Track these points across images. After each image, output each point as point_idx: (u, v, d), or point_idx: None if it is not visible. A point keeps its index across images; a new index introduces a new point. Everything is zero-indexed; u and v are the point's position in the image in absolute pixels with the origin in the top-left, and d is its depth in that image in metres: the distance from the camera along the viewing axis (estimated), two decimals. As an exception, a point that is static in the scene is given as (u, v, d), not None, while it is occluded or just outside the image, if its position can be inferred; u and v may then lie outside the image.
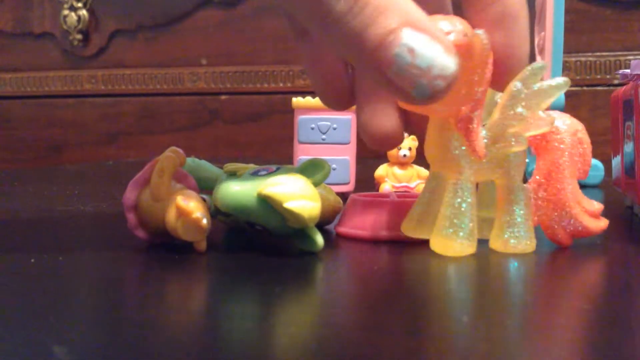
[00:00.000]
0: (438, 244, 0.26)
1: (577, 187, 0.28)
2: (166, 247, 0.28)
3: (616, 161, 0.41)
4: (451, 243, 0.26)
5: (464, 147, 0.26)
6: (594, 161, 0.52)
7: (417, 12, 0.23)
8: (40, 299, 0.21)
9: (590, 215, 0.28)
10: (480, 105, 0.25)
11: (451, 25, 0.24)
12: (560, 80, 0.27)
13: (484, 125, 0.27)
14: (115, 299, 0.21)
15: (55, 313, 0.19)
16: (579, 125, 0.29)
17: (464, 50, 0.24)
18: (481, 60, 0.24)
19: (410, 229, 0.28)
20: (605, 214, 0.29)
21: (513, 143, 0.26)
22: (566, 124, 0.28)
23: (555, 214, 0.28)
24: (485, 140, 0.26)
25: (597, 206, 0.28)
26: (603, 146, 0.50)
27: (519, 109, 0.26)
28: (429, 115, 0.27)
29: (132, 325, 0.18)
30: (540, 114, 0.26)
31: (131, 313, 0.20)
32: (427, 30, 0.23)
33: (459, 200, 0.26)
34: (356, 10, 0.22)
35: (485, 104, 0.26)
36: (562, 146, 0.28)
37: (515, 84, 0.26)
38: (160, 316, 0.19)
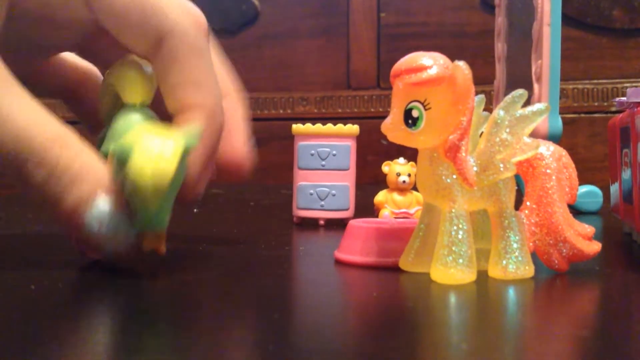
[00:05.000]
0: (438, 273, 0.26)
1: (567, 210, 0.28)
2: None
3: (614, 188, 0.41)
4: (451, 271, 0.26)
5: (455, 176, 0.26)
6: (593, 188, 0.52)
7: (106, 179, 0.26)
8: (39, 326, 0.21)
9: (583, 237, 0.28)
10: (466, 133, 0.26)
11: (432, 60, 0.25)
12: (541, 105, 0.27)
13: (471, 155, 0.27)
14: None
15: (55, 341, 0.19)
16: (562, 151, 0.29)
17: (447, 82, 0.25)
18: (464, 90, 0.25)
19: (408, 264, 0.28)
20: (603, 240, 0.29)
21: (502, 169, 0.27)
22: (550, 150, 0.29)
23: (549, 238, 0.28)
24: (475, 169, 0.26)
25: (589, 229, 0.28)
26: (601, 173, 0.50)
27: (504, 135, 0.27)
28: (417, 147, 0.27)
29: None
30: (525, 139, 0.27)
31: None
32: (118, 198, 0.25)
33: (455, 228, 0.26)
34: (54, 180, 0.25)
35: (470, 136, 0.27)
36: (548, 171, 0.28)
37: (498, 112, 0.27)
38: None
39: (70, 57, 0.35)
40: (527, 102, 0.28)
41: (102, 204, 0.25)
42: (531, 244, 0.28)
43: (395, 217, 0.44)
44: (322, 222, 0.44)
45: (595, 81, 0.94)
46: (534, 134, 0.28)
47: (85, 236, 0.26)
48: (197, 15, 0.30)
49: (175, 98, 0.29)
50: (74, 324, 0.21)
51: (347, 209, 0.45)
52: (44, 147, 0.25)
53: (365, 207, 0.47)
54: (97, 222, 0.25)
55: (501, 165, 0.27)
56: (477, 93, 0.27)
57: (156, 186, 0.24)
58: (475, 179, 0.26)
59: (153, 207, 0.25)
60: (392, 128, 0.26)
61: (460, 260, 0.26)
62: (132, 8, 0.28)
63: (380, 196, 0.45)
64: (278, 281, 0.28)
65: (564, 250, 0.28)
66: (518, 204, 0.28)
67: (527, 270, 0.27)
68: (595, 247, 0.28)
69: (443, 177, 0.26)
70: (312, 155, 0.44)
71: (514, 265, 0.27)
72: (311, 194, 0.44)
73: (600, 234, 0.41)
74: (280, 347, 0.18)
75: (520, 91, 0.27)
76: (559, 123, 0.50)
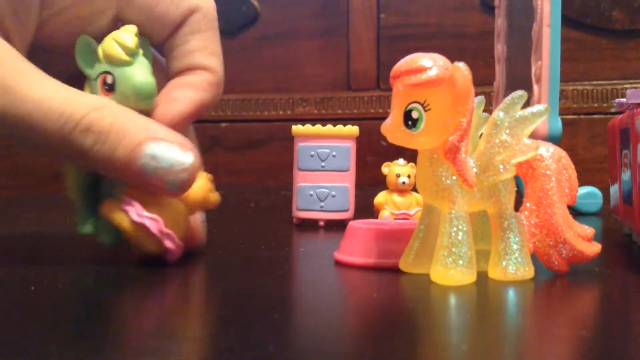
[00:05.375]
0: (438, 274, 0.26)
1: (567, 212, 0.28)
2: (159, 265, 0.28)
3: (614, 189, 0.41)
4: (451, 272, 0.26)
5: (454, 177, 0.26)
6: (592, 189, 0.52)
7: (157, 127, 0.29)
8: (39, 326, 0.21)
9: (582, 239, 0.28)
10: (466, 135, 0.26)
11: (432, 61, 0.25)
12: (541, 107, 0.27)
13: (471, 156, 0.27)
14: (117, 327, 0.21)
15: (55, 341, 0.19)
16: (562, 152, 0.29)
17: (447, 83, 0.25)
18: (463, 91, 0.25)
19: (408, 266, 0.28)
20: (603, 241, 0.29)
21: (501, 170, 0.27)
22: (550, 152, 0.29)
23: (549, 239, 0.28)
24: (474, 170, 0.26)
25: (588, 230, 0.28)
26: (601, 174, 0.50)
27: (504, 137, 0.27)
28: (417, 148, 0.27)
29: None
30: (525, 140, 0.27)
31: (133, 342, 0.20)
32: (164, 139, 0.28)
33: (455, 229, 0.26)
34: (102, 139, 0.27)
35: (470, 137, 0.27)
36: (548, 172, 0.28)
37: (498, 113, 0.27)
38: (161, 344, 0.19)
39: None
40: (527, 104, 0.28)
41: (150, 146, 0.28)
42: (531, 245, 0.28)
43: (395, 218, 0.44)
44: (321, 223, 0.44)
45: (595, 82, 0.94)
46: (533, 135, 0.28)
47: (146, 177, 0.28)
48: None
49: (191, 60, 0.32)
50: (73, 324, 0.21)
51: (346, 210, 0.45)
52: (86, 115, 0.27)
53: (365, 208, 0.47)
54: (152, 161, 0.28)
55: (501, 166, 0.27)
56: (476, 94, 0.27)
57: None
58: (475, 180, 0.26)
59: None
60: (392, 129, 0.26)
61: (460, 262, 0.26)
62: None
63: (380, 197, 0.45)
64: (278, 282, 0.28)
65: (564, 252, 0.28)
66: (518, 205, 0.28)
67: (527, 271, 0.27)
68: (595, 248, 0.28)
69: (443, 178, 0.26)
70: (311, 156, 0.44)
71: (513, 266, 0.27)
72: (311, 195, 0.44)
73: (600, 235, 0.41)
74: (280, 348, 0.18)
75: (519, 92, 0.27)
76: (558, 124, 0.50)
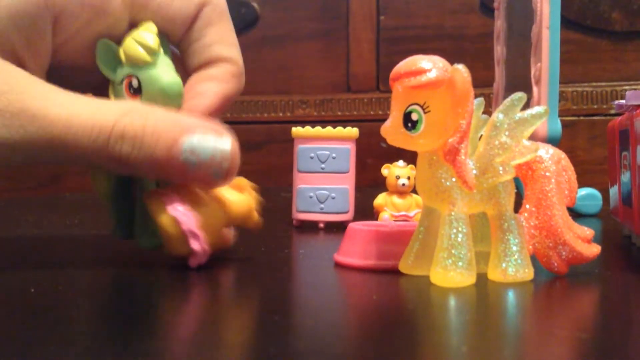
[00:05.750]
0: (438, 276, 0.26)
1: (567, 213, 0.28)
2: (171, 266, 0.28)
3: (614, 191, 0.41)
4: (451, 274, 0.26)
5: (454, 179, 0.26)
6: (592, 190, 0.52)
7: (187, 120, 0.28)
8: (39, 329, 0.21)
9: (582, 240, 0.28)
10: (465, 136, 0.26)
11: (432, 63, 0.25)
12: (540, 108, 0.27)
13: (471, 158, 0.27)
14: (123, 329, 0.21)
15: (55, 343, 0.19)
16: (561, 154, 0.29)
17: (446, 85, 0.25)
18: (463, 93, 0.25)
19: (407, 267, 0.28)
20: (603, 243, 0.29)
21: (501, 172, 0.27)
22: (549, 153, 0.29)
23: (549, 241, 0.28)
24: (474, 172, 0.27)
25: (588, 232, 0.29)
26: (600, 175, 0.50)
27: (503, 138, 0.27)
28: (416, 150, 0.27)
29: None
30: (524, 142, 0.27)
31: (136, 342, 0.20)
32: (198, 129, 0.28)
33: (454, 231, 0.26)
34: (138, 144, 0.27)
35: (470, 138, 0.27)
36: (547, 174, 0.28)
37: (498, 115, 0.27)
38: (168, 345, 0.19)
39: None
40: (527, 105, 0.28)
41: (187, 140, 0.27)
42: (530, 246, 0.28)
43: (395, 220, 0.44)
44: (321, 225, 0.44)
45: (595, 84, 0.94)
46: (533, 137, 0.28)
47: (191, 172, 0.28)
48: None
49: (210, 53, 0.32)
50: (73, 326, 0.21)
51: (346, 212, 0.45)
52: (116, 123, 0.27)
53: (365, 210, 0.47)
54: (192, 155, 0.27)
55: (500, 168, 0.27)
56: (476, 96, 0.27)
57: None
58: (475, 181, 0.26)
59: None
60: (392, 131, 0.26)
61: (460, 263, 0.26)
62: None
63: (380, 199, 0.45)
64: (278, 284, 0.28)
65: (564, 253, 0.28)
66: (517, 206, 0.28)
67: (527, 273, 0.27)
68: (595, 249, 0.28)
69: (442, 180, 0.26)
70: (311, 158, 0.44)
71: (513, 268, 0.27)
72: (311, 197, 0.44)
73: (600, 236, 0.41)
74: (280, 350, 0.18)
75: (519, 94, 0.27)
76: (558, 126, 0.50)
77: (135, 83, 0.29)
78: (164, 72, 0.29)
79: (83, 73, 0.31)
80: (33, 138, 0.26)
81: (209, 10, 0.32)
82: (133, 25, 0.31)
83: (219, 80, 0.32)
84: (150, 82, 0.29)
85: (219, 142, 0.28)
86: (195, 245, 0.28)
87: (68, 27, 0.29)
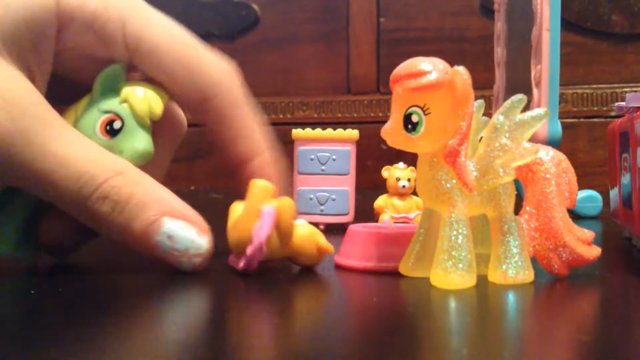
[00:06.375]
0: (438, 278, 0.26)
1: (567, 215, 0.28)
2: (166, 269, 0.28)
3: (614, 193, 0.41)
4: (451, 276, 0.26)
5: (454, 181, 0.26)
6: (592, 192, 0.52)
7: (175, 202, 0.28)
8: (40, 330, 0.21)
9: (582, 242, 0.28)
10: (466, 138, 0.26)
11: (432, 65, 0.25)
12: (541, 110, 0.27)
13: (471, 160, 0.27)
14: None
15: (55, 346, 0.19)
16: (562, 156, 0.29)
17: (446, 87, 0.25)
18: (463, 95, 0.25)
19: (408, 269, 0.28)
20: (603, 245, 0.29)
21: (501, 174, 0.27)
22: (549, 155, 0.29)
23: (549, 243, 0.28)
24: (474, 174, 0.27)
25: (588, 234, 0.28)
26: (601, 177, 0.50)
27: (504, 140, 0.27)
28: (416, 152, 0.27)
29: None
30: (525, 144, 0.27)
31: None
32: (183, 217, 0.27)
33: (455, 233, 0.26)
34: (119, 209, 0.27)
35: (470, 140, 0.27)
36: (547, 176, 0.28)
37: (498, 117, 0.27)
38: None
39: None
40: (527, 107, 0.28)
41: (169, 225, 0.27)
42: (531, 248, 0.28)
43: (395, 222, 0.44)
44: (322, 227, 0.44)
45: (595, 86, 0.94)
46: (533, 139, 0.28)
47: (160, 254, 0.28)
48: (232, 69, 0.32)
49: (233, 153, 0.33)
50: (74, 328, 0.21)
51: (346, 214, 0.45)
52: (105, 181, 0.27)
53: (365, 212, 0.47)
54: (168, 240, 0.27)
55: (501, 170, 0.27)
56: (476, 98, 0.27)
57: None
58: (475, 183, 0.26)
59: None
60: (392, 133, 0.26)
61: (460, 265, 0.26)
62: (178, 66, 0.30)
63: (380, 201, 0.45)
64: (278, 286, 0.28)
65: (564, 255, 0.28)
66: (518, 208, 0.28)
67: (527, 275, 0.27)
68: (595, 251, 0.28)
69: (443, 182, 0.26)
70: (311, 160, 0.44)
71: (513, 270, 0.27)
72: (311, 199, 0.44)
73: (600, 238, 0.41)
74: (280, 352, 0.18)
75: (519, 96, 0.27)
76: (558, 128, 0.50)
77: (117, 125, 0.29)
78: (146, 138, 0.29)
79: (68, 86, 0.31)
80: (21, 163, 0.26)
81: (218, 103, 0.32)
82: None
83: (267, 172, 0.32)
84: (130, 138, 0.29)
85: (198, 238, 0.28)
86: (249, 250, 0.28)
87: (68, 41, 0.29)
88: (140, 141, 0.29)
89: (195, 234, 0.28)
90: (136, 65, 0.30)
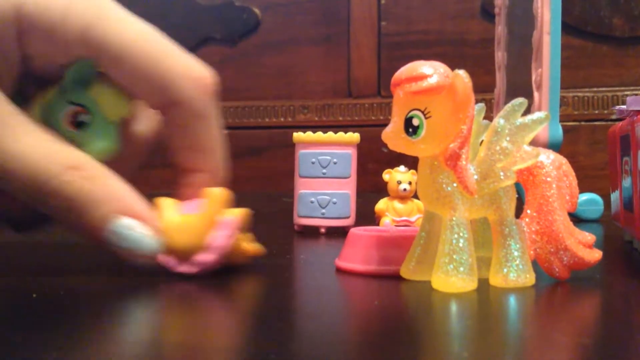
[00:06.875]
0: (439, 281, 0.26)
1: (568, 218, 0.28)
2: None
3: (615, 196, 0.41)
4: (452, 279, 0.26)
5: (455, 184, 0.26)
6: (593, 196, 0.52)
7: (131, 200, 0.28)
8: (41, 332, 0.21)
9: (583, 246, 0.28)
10: (466, 142, 0.26)
11: (433, 68, 0.25)
12: (541, 114, 0.27)
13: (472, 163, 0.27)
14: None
15: (56, 349, 0.19)
16: (562, 159, 0.29)
17: (447, 90, 0.25)
18: (464, 98, 0.25)
19: (409, 273, 0.28)
20: (604, 248, 0.29)
21: (502, 177, 0.27)
22: (550, 159, 0.29)
23: (550, 246, 0.28)
24: (475, 177, 0.27)
25: (589, 237, 0.29)
26: (602, 180, 0.50)
27: (504, 144, 0.27)
28: (417, 155, 0.27)
29: None
30: (525, 147, 0.27)
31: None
32: (136, 215, 0.27)
33: (456, 236, 0.26)
34: (69, 204, 0.27)
35: (471, 144, 0.27)
36: (548, 179, 0.28)
37: (499, 121, 0.27)
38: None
39: None
40: (527, 111, 0.28)
41: (115, 223, 0.27)
42: (532, 252, 0.28)
43: (396, 225, 0.44)
44: (323, 230, 0.44)
45: (596, 89, 0.94)
46: (534, 142, 0.28)
47: (113, 250, 0.28)
48: (204, 78, 0.31)
49: (179, 161, 0.31)
50: (75, 331, 0.21)
51: (348, 217, 0.45)
52: (61, 176, 0.27)
53: (366, 215, 0.47)
54: (114, 237, 0.27)
55: (501, 173, 0.27)
56: (477, 101, 0.27)
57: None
58: (476, 187, 0.26)
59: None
60: (393, 136, 0.26)
61: (461, 269, 0.26)
62: (140, 73, 0.29)
63: (381, 204, 0.45)
64: (279, 289, 0.28)
65: (565, 258, 0.28)
66: (519, 212, 0.28)
67: (528, 278, 0.27)
68: (596, 255, 0.28)
69: (444, 185, 0.26)
70: (313, 163, 0.44)
71: (514, 273, 0.27)
72: (312, 202, 0.44)
73: (601, 241, 0.41)
74: (281, 356, 0.18)
75: (520, 100, 0.27)
76: (559, 131, 0.50)
77: (85, 119, 0.29)
78: (111, 134, 0.29)
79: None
80: None
81: (179, 112, 0.30)
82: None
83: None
84: (95, 134, 0.29)
85: (145, 240, 0.27)
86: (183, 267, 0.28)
87: (30, 48, 0.29)
88: (105, 138, 0.29)
89: (144, 235, 0.27)
90: (101, 69, 0.30)
